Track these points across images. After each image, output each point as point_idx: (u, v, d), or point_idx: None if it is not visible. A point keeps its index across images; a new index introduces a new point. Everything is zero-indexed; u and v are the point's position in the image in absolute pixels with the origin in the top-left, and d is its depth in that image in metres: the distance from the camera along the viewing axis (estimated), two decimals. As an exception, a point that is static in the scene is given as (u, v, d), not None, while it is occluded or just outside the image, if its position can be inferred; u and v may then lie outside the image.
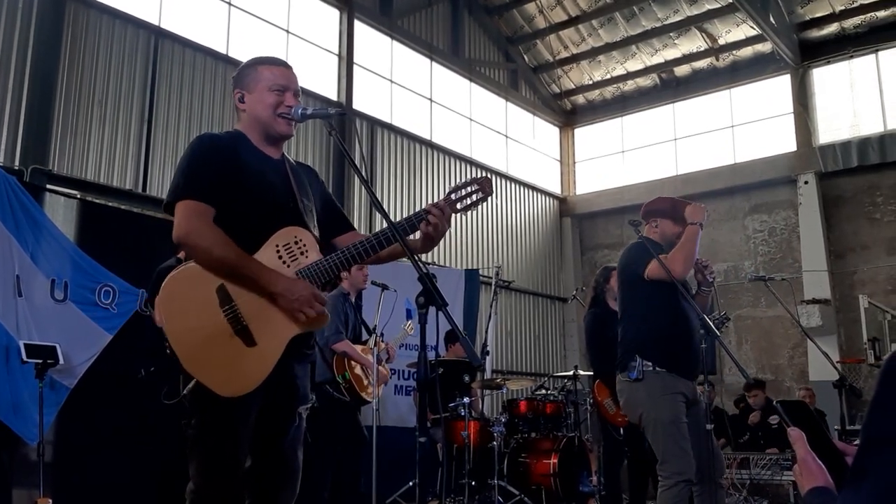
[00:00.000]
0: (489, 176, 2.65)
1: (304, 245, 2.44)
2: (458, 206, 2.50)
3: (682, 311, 3.93)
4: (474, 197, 2.52)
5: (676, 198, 4.41)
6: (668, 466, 3.73)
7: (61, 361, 5.16)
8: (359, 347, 5.69)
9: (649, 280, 3.93)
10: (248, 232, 2.39)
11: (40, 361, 4.95)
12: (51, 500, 4.75)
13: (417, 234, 2.51)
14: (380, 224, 9.76)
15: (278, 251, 2.41)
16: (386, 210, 2.46)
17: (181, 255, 4.22)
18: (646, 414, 3.86)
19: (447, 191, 2.54)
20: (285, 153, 2.66)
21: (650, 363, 3.84)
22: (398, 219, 2.46)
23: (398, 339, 6.34)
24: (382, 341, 5.77)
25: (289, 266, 2.41)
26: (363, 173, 2.57)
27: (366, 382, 5.56)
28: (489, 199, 2.57)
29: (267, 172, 2.51)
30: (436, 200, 2.52)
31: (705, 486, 3.83)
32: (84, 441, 5.49)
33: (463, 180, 2.60)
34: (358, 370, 5.54)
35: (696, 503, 3.88)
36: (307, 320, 2.35)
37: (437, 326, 2.26)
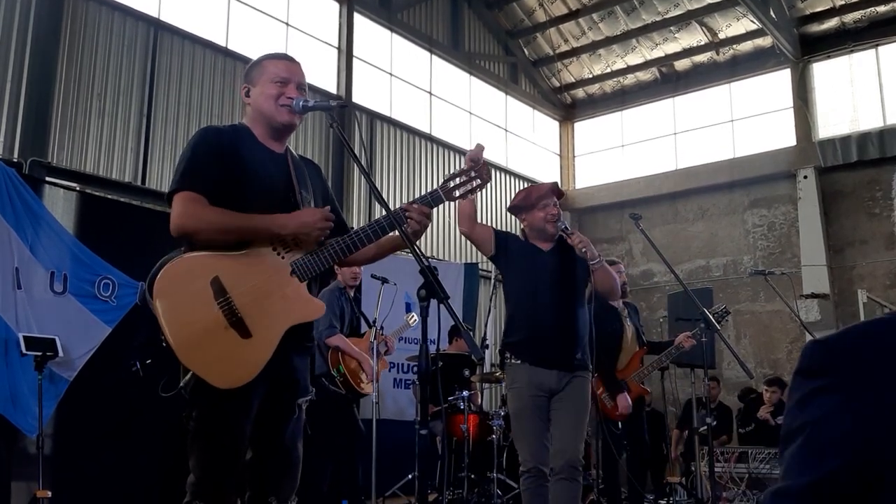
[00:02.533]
0: (488, 167, 2.66)
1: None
2: (456, 193, 2.52)
3: (534, 298, 3.86)
4: (472, 184, 2.54)
5: (531, 186, 4.40)
6: (519, 458, 3.83)
7: (60, 354, 5.15)
8: (357, 339, 5.70)
9: (499, 267, 4.08)
10: None
11: (39, 354, 4.94)
12: (50, 493, 4.74)
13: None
14: (378, 213, 9.63)
15: (272, 242, 2.43)
16: (385, 202, 2.47)
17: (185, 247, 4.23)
18: (508, 403, 4.01)
19: (444, 178, 2.56)
20: (290, 148, 2.67)
21: (509, 356, 3.92)
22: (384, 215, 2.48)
23: (398, 331, 6.34)
24: (382, 334, 5.77)
25: (283, 257, 2.42)
26: (363, 166, 2.56)
27: (362, 376, 5.57)
28: (487, 188, 2.58)
29: (267, 165, 2.53)
30: (431, 189, 2.56)
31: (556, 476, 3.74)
32: (83, 433, 5.48)
33: (460, 168, 2.63)
34: (353, 364, 5.54)
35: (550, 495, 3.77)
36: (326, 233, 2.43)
37: (438, 320, 2.26)
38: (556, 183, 4.19)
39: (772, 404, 8.27)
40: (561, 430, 3.78)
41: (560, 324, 3.85)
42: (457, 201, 2.70)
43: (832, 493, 0.90)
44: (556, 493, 3.70)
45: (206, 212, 2.36)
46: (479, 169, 2.55)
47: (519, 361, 3.84)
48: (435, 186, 2.60)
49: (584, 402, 3.87)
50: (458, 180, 2.55)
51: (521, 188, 4.59)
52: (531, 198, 4.04)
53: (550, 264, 3.95)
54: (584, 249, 3.81)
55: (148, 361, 4.73)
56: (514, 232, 4.31)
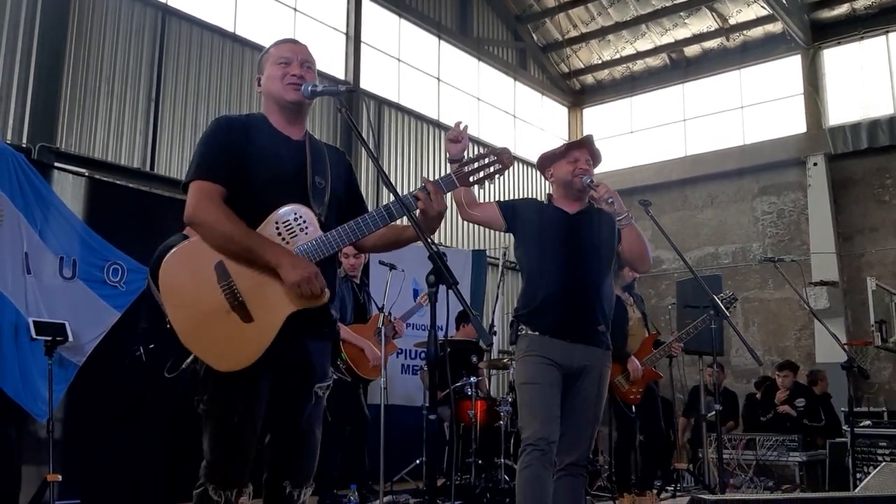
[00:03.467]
0: (510, 152, 2.55)
1: (305, 222, 2.44)
2: (472, 178, 2.47)
3: (556, 265, 3.48)
4: (491, 169, 2.48)
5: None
6: (522, 433, 3.43)
7: (70, 339, 5.17)
8: (361, 326, 5.71)
9: (514, 235, 3.68)
10: (254, 209, 2.41)
11: (49, 339, 4.96)
12: (60, 477, 4.77)
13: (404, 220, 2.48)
14: (387, 199, 9.62)
15: (277, 227, 2.43)
16: (393, 187, 2.45)
17: (186, 231, 4.23)
18: (515, 376, 3.66)
19: (461, 162, 2.50)
20: (311, 134, 2.66)
21: (523, 327, 3.52)
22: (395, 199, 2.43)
23: (410, 311, 6.32)
24: (390, 319, 5.78)
25: (287, 242, 2.42)
26: (371, 150, 2.55)
27: (365, 361, 5.59)
28: (504, 173, 2.52)
29: (279, 150, 2.52)
30: (444, 173, 2.50)
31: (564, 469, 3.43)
32: (93, 417, 5.52)
33: (478, 152, 2.53)
34: (355, 351, 5.55)
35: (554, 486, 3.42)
36: (307, 298, 2.35)
37: (447, 305, 2.25)
38: (591, 136, 3.82)
39: (786, 388, 8.24)
40: (576, 419, 3.43)
41: (584, 294, 3.48)
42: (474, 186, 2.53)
43: None
44: (562, 491, 3.40)
45: (218, 213, 2.36)
46: (499, 153, 2.47)
47: (536, 333, 3.45)
48: (449, 171, 2.52)
49: (604, 390, 3.54)
50: (475, 164, 2.48)
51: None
52: (560, 149, 3.69)
53: (576, 228, 3.56)
54: (610, 201, 3.43)
55: (151, 346, 4.74)
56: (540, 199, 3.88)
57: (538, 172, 13.50)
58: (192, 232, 2.44)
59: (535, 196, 12.34)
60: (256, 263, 2.35)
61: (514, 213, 3.64)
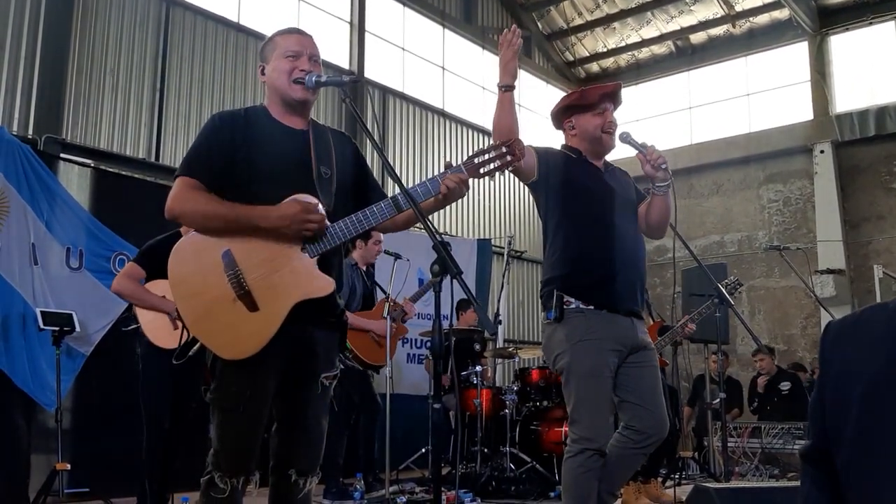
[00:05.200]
0: (521, 143, 2.50)
1: None
2: (482, 170, 2.45)
3: (602, 229, 3.14)
4: (500, 161, 2.44)
5: (584, 88, 3.55)
6: (576, 429, 3.05)
7: (77, 329, 5.21)
8: (367, 312, 5.72)
9: (546, 191, 3.23)
10: (259, 203, 2.40)
11: (57, 329, 4.99)
12: (69, 466, 4.81)
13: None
14: (392, 191, 9.64)
15: None
16: (398, 177, 2.45)
17: (182, 229, 4.26)
18: (562, 360, 3.11)
19: (471, 153, 2.47)
20: (315, 122, 2.64)
21: (573, 300, 3.10)
22: (409, 186, 2.42)
23: (420, 293, 6.25)
24: (397, 303, 5.79)
25: None
26: (375, 140, 2.54)
27: (372, 347, 5.59)
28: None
29: (282, 142, 2.51)
30: (457, 163, 2.47)
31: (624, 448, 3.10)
32: (101, 407, 5.55)
33: (490, 143, 2.50)
34: (359, 339, 5.56)
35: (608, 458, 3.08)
36: (312, 232, 2.37)
37: (451, 295, 2.25)
38: (618, 84, 3.46)
39: (767, 375, 8.33)
40: (652, 393, 3.12)
41: (634, 260, 3.18)
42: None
43: (817, 454, 1.07)
44: (626, 462, 3.13)
45: (195, 197, 2.39)
46: (511, 145, 2.45)
47: (592, 307, 3.07)
48: (459, 162, 2.48)
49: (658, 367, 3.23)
50: (486, 156, 2.45)
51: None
52: (588, 97, 3.33)
53: (611, 186, 3.25)
54: (664, 166, 3.10)
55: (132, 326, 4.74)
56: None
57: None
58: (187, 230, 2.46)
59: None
60: (264, 250, 2.35)
61: (546, 164, 3.21)
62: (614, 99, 3.36)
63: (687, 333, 5.87)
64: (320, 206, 2.41)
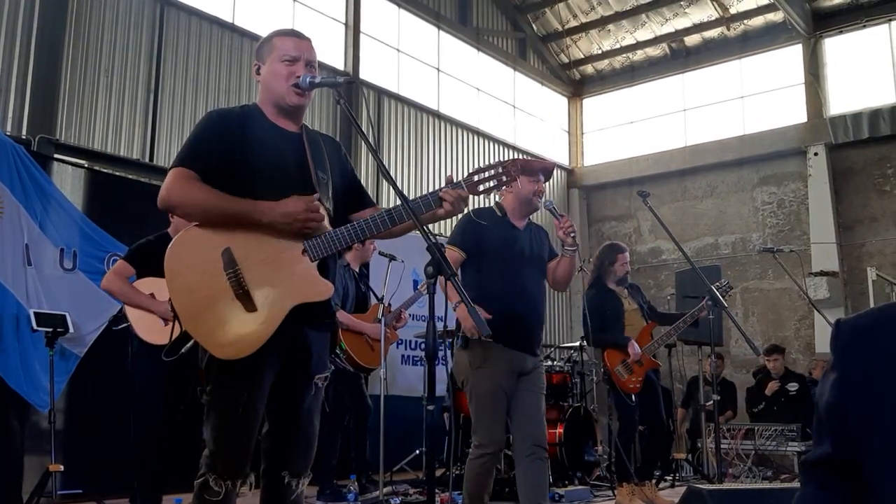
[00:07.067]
0: (518, 164, 2.59)
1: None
2: (480, 188, 2.47)
3: (511, 279, 3.79)
4: (497, 181, 2.48)
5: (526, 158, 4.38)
6: (476, 438, 3.75)
7: (71, 330, 5.19)
8: (362, 315, 5.72)
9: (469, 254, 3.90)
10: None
11: (50, 330, 4.97)
12: (62, 467, 4.80)
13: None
14: (387, 192, 9.74)
15: None
16: (393, 181, 2.45)
17: (171, 230, 4.26)
18: (466, 381, 3.82)
19: (471, 171, 2.50)
20: (307, 125, 2.64)
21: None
22: (404, 189, 2.43)
23: (408, 302, 6.29)
24: (390, 308, 5.79)
25: None
26: (370, 142, 2.54)
27: (366, 350, 5.59)
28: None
29: (279, 145, 2.49)
30: (457, 180, 2.48)
31: (520, 457, 3.77)
32: (95, 408, 5.54)
33: (488, 163, 2.55)
34: (354, 340, 5.56)
35: (517, 473, 3.82)
36: (312, 231, 2.37)
37: (445, 297, 2.25)
38: (555, 165, 4.27)
39: (777, 375, 8.31)
40: (527, 412, 3.76)
41: (533, 308, 3.86)
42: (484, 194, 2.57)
43: (834, 461, 1.00)
44: (529, 473, 3.70)
45: (192, 188, 2.36)
46: (507, 165, 2.47)
47: (491, 340, 3.60)
48: (459, 178, 2.50)
49: (544, 387, 3.91)
50: (485, 174, 2.48)
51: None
52: (530, 166, 3.96)
53: (526, 244, 3.92)
54: (573, 234, 3.74)
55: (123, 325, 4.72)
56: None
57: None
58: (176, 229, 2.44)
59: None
60: (265, 250, 2.34)
61: (475, 238, 3.84)
62: (547, 175, 4.02)
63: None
64: (321, 207, 2.41)
